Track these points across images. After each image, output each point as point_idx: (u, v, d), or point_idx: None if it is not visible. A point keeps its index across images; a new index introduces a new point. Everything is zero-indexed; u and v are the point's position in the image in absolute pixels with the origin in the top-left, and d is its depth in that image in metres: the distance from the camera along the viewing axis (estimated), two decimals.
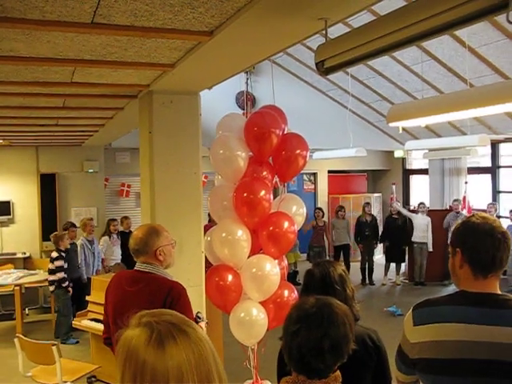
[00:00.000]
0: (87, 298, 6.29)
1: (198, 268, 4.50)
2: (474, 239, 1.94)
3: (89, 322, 5.91)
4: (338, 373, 1.86)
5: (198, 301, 4.42)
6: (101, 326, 5.14)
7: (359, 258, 11.29)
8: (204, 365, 1.10)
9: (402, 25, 2.19)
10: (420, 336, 1.97)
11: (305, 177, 13.72)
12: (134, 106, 5.00)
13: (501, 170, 11.65)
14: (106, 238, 8.85)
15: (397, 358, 2.14)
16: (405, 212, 10.90)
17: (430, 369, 1.96)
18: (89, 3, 2.39)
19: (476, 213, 2.06)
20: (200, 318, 3.48)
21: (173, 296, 2.88)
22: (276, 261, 4.25)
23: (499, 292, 1.97)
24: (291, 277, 9.67)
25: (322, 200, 13.82)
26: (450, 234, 8.82)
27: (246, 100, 9.82)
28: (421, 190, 13.52)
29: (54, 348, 4.46)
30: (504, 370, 1.84)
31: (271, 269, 4.11)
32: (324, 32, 2.69)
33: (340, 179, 14.18)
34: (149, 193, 4.44)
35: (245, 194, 4.06)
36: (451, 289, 2.14)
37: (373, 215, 11.42)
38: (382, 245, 11.54)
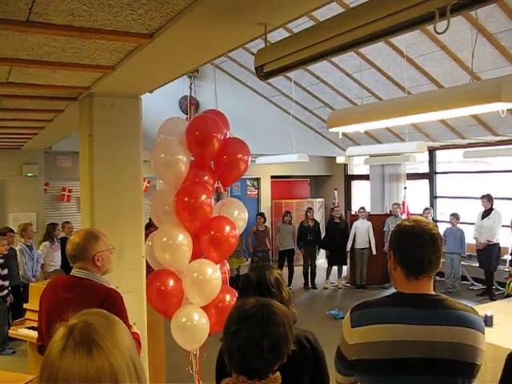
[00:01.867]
0: (25, 305, 6.09)
1: (139, 273, 4.45)
2: (404, 241, 2.01)
3: (26, 331, 5.71)
4: (278, 374, 1.88)
5: (138, 306, 4.37)
6: None
7: (302, 263, 11.42)
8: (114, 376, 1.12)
9: (339, 31, 2.25)
10: (358, 337, 2.00)
11: (248, 182, 13.75)
12: (75, 109, 4.90)
13: (437, 175, 12.05)
14: (47, 243, 8.58)
15: (336, 359, 2.17)
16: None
17: (368, 369, 2.00)
18: (23, 0, 2.33)
19: (411, 216, 2.13)
20: None
21: (108, 303, 2.82)
22: (218, 265, 4.25)
23: (433, 292, 2.03)
24: (234, 281, 9.67)
25: (266, 205, 13.89)
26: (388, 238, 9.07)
27: (189, 105, 9.79)
28: (362, 196, 13.80)
29: None
30: (440, 368, 1.90)
31: (213, 273, 4.10)
32: (264, 37, 2.73)
33: (283, 184, 14.29)
34: (89, 197, 4.36)
35: (186, 199, 4.03)
36: (391, 291, 2.23)
37: (315, 220, 11.55)
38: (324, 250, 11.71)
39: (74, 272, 2.98)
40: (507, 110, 3.66)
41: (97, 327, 1.16)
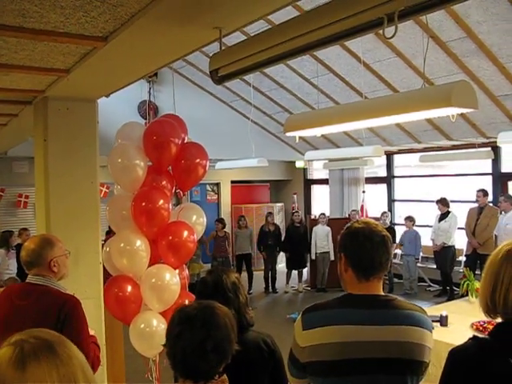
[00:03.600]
0: None
1: (96, 279, 4.37)
2: (355, 243, 2.04)
3: None
4: (225, 376, 1.87)
5: (96, 313, 4.29)
6: None
7: (263, 267, 11.44)
8: None
9: (293, 34, 2.28)
10: (309, 340, 2.01)
11: (208, 187, 13.71)
12: (29, 113, 4.80)
13: (395, 179, 12.27)
14: (2, 250, 8.38)
15: (288, 362, 2.17)
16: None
17: (320, 371, 2.01)
18: None
19: (360, 219, 2.16)
20: None
21: (67, 310, 2.76)
22: (176, 270, 4.22)
23: (382, 293, 2.06)
24: (194, 287, 9.59)
25: (226, 210, 13.87)
26: None
27: (148, 109, 9.71)
28: (321, 200, 13.92)
29: None
30: (391, 367, 1.93)
31: (171, 278, 4.08)
32: (219, 41, 2.74)
33: (243, 189, 14.31)
34: (44, 203, 4.28)
35: (143, 204, 4.00)
36: None
37: (276, 224, 11.60)
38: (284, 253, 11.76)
39: (30, 279, 2.90)
40: (458, 115, 3.75)
41: (45, 335, 1.10)
